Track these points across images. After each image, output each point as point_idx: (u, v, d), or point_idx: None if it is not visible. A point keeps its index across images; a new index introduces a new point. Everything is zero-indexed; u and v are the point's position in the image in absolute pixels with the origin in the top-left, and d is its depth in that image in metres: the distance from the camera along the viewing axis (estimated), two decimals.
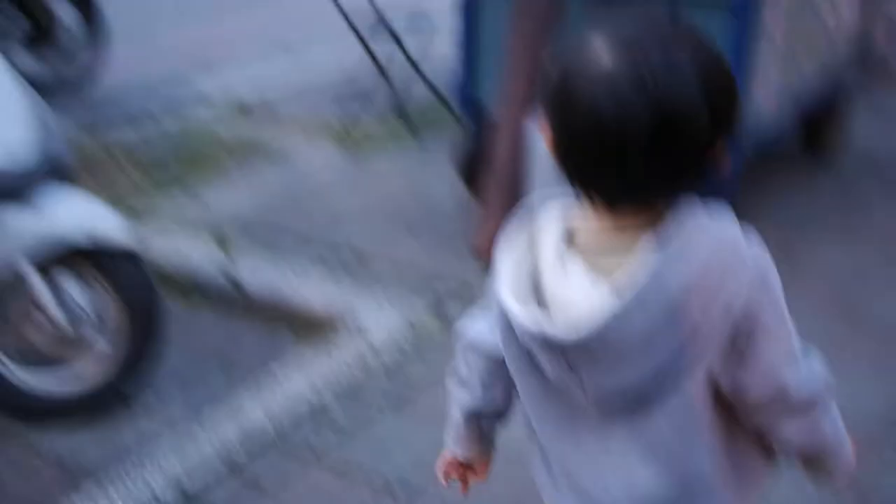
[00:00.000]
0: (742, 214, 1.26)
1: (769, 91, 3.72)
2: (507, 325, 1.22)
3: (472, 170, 4.18)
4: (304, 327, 3.39)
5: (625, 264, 1.12)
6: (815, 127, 4.62)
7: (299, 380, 3.01)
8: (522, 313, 1.17)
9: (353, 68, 6.25)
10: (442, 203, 4.28)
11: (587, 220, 1.18)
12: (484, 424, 1.48)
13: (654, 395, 1.16)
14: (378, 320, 3.28)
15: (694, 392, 1.17)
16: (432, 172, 4.61)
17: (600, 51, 1.09)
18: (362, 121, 5.33)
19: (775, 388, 1.19)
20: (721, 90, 1.10)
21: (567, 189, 1.17)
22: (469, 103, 4.20)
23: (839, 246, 3.89)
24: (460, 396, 1.47)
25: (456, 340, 1.45)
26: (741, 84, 3.51)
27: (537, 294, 1.19)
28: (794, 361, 1.20)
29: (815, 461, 1.31)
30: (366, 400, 2.94)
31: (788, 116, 4.05)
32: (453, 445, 1.53)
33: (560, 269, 1.17)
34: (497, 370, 1.38)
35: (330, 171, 4.67)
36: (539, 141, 3.41)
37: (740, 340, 1.14)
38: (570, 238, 1.19)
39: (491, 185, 3.68)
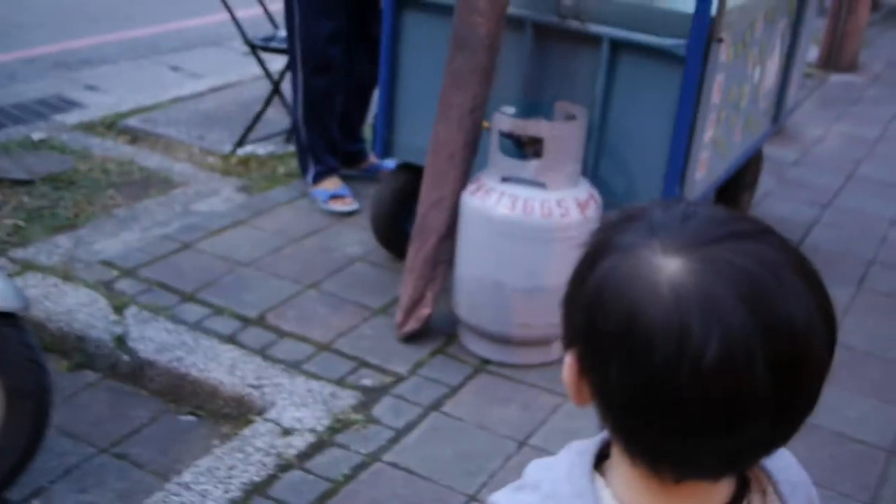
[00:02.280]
0: None
1: (702, 151, 3.52)
2: None
3: (390, 225, 3.88)
4: (212, 413, 3.05)
5: None
6: (728, 190, 4.34)
7: (209, 483, 2.67)
8: None
9: (244, 88, 5.90)
10: (356, 263, 3.93)
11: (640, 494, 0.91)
12: None
13: None
14: (297, 414, 2.93)
15: None
16: (340, 222, 4.29)
17: (682, 272, 0.81)
18: (257, 151, 4.97)
19: None
20: (819, 283, 0.85)
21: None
22: (387, 146, 3.87)
23: None
24: None
25: None
26: (683, 142, 3.31)
27: None
28: None
29: None
30: None
31: (713, 180, 3.88)
32: None
33: None
34: None
35: (226, 214, 4.26)
36: (472, 200, 3.17)
37: None
38: None
39: (415, 251, 3.37)
